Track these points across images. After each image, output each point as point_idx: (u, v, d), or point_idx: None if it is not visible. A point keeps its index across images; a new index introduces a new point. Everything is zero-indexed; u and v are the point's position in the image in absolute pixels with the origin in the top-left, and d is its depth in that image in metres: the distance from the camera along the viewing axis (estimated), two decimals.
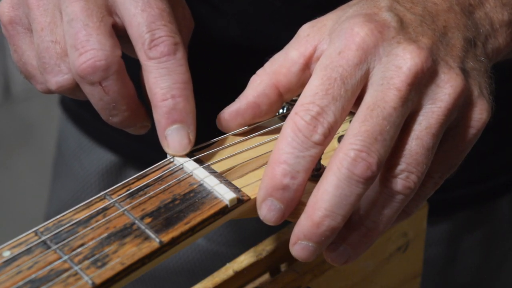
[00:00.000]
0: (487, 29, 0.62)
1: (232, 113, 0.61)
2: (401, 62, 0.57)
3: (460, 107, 0.58)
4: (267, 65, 0.61)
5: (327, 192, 0.55)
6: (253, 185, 0.59)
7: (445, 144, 0.59)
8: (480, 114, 0.59)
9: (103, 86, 0.60)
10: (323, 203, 0.55)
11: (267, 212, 0.57)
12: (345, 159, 0.55)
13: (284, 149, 0.56)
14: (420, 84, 0.57)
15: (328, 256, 0.58)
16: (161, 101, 0.59)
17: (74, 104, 0.98)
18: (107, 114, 0.62)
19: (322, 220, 0.55)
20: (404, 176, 0.56)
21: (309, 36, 0.60)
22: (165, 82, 0.59)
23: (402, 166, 0.56)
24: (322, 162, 0.60)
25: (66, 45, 0.61)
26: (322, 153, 0.57)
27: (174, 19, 0.60)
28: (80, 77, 0.60)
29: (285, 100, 0.62)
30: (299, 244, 0.56)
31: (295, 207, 0.57)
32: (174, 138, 0.60)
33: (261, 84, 0.61)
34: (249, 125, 0.63)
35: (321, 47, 0.60)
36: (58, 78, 0.62)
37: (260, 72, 0.61)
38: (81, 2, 0.60)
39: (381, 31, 0.57)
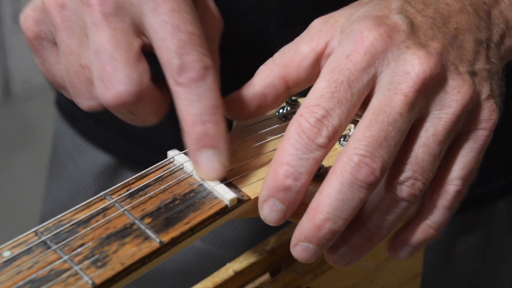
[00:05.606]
0: (502, 28, 0.62)
1: (237, 100, 0.61)
2: (409, 67, 0.56)
3: (469, 113, 0.58)
4: (277, 56, 0.61)
5: (329, 195, 0.55)
6: (253, 185, 0.59)
7: (462, 149, 0.59)
8: (489, 115, 0.59)
9: (133, 113, 0.59)
10: (325, 207, 0.55)
11: (269, 213, 0.57)
12: (349, 164, 0.55)
13: (288, 151, 0.56)
14: (427, 90, 0.56)
15: (330, 258, 0.58)
16: (191, 128, 0.58)
17: (70, 105, 0.98)
18: (133, 122, 0.60)
19: (324, 223, 0.55)
20: (410, 183, 0.56)
21: (321, 32, 0.60)
22: (195, 108, 0.57)
23: (408, 173, 0.56)
24: (323, 162, 0.60)
25: (93, 75, 0.58)
26: (325, 156, 0.56)
27: (205, 41, 0.58)
28: (109, 108, 0.58)
29: (291, 93, 0.62)
30: (300, 245, 0.56)
31: (296, 208, 0.57)
32: (207, 164, 0.58)
33: (270, 75, 0.60)
34: (251, 115, 0.62)
35: (333, 44, 0.59)
36: (89, 103, 0.60)
37: (269, 62, 0.61)
38: (108, 31, 0.57)
39: (391, 35, 0.57)
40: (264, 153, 0.62)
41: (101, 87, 0.57)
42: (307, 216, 0.56)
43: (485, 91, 0.59)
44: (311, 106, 0.56)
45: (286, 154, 0.56)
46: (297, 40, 0.61)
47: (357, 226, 0.57)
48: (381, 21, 0.58)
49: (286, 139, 0.56)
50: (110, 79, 0.57)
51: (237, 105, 0.61)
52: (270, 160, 0.59)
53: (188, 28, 0.57)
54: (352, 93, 0.56)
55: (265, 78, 0.60)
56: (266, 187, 0.56)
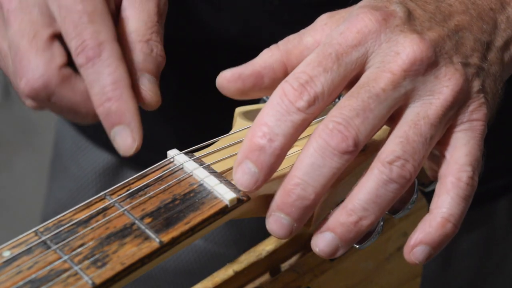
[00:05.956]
0: (508, 33, 0.62)
1: (234, 74, 0.61)
2: (400, 48, 0.57)
3: (460, 103, 0.58)
4: (281, 43, 0.62)
5: (301, 161, 0.56)
6: None
7: (462, 139, 0.59)
8: (479, 106, 0.59)
9: (53, 102, 0.59)
10: (297, 172, 0.55)
11: (241, 175, 0.56)
12: (324, 130, 0.55)
13: (268, 112, 0.56)
14: (416, 73, 0.57)
15: (315, 244, 0.57)
16: (98, 108, 0.58)
17: None
18: (74, 120, 0.62)
19: (293, 188, 0.55)
20: (400, 164, 0.56)
21: (326, 25, 0.61)
22: (96, 87, 0.58)
23: (398, 152, 0.56)
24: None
25: None
26: (307, 124, 0.56)
27: (101, 14, 0.59)
28: (29, 101, 0.60)
29: None
30: (273, 215, 0.56)
31: (269, 175, 0.56)
32: (118, 140, 0.59)
33: (271, 57, 0.61)
34: (245, 94, 0.62)
35: None
36: (27, 102, 0.62)
37: (273, 47, 0.62)
38: (15, 25, 0.59)
39: (386, 19, 0.58)
40: None
41: (16, 80, 0.59)
42: (282, 184, 0.56)
43: (476, 85, 0.59)
44: (297, 73, 0.57)
45: (265, 115, 0.56)
46: (302, 31, 0.62)
47: (345, 209, 0.56)
48: (379, 8, 0.58)
49: (269, 103, 0.56)
50: (17, 69, 0.58)
51: (233, 79, 0.61)
52: None
53: (78, 7, 0.58)
54: (339, 65, 0.57)
55: (266, 59, 0.61)
56: (242, 150, 0.57)
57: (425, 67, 0.57)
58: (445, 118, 0.58)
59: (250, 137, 0.56)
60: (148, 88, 0.62)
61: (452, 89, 0.57)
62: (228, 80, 0.61)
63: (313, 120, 0.57)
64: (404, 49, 0.57)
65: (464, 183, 0.58)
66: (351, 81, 0.58)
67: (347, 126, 0.55)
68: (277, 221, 0.56)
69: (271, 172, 0.56)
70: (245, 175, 0.56)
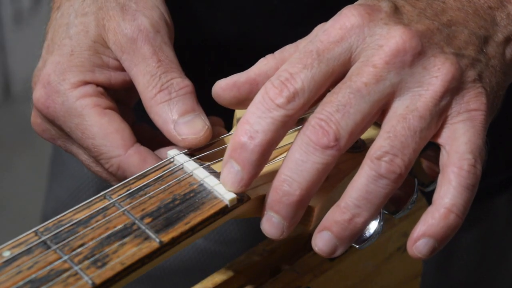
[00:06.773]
0: (510, 29, 0.61)
1: (229, 83, 0.61)
2: (383, 41, 0.57)
3: (454, 92, 0.57)
4: (277, 52, 0.62)
5: (287, 158, 0.56)
6: (253, 185, 0.59)
7: (460, 129, 0.58)
8: (476, 96, 0.58)
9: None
10: (283, 169, 0.56)
11: (226, 174, 0.57)
12: (307, 127, 0.56)
13: (250, 111, 0.57)
14: (402, 64, 0.56)
15: (315, 244, 0.57)
16: None
17: None
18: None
19: (280, 184, 0.56)
20: (388, 159, 0.55)
21: None
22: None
23: (386, 148, 0.55)
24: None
25: None
26: (290, 121, 0.56)
27: (100, 137, 0.64)
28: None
29: None
30: (265, 215, 0.57)
31: (253, 174, 0.57)
32: None
33: (266, 65, 0.61)
34: (241, 101, 0.62)
35: None
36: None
37: (269, 56, 0.62)
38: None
39: (370, 13, 0.57)
40: None
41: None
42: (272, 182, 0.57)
43: (471, 75, 0.58)
44: (279, 72, 0.57)
45: (248, 114, 0.56)
46: (299, 41, 0.62)
47: (338, 206, 0.56)
48: (365, 4, 0.58)
49: (252, 103, 0.57)
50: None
51: (228, 87, 0.61)
52: (270, 160, 0.59)
53: (87, 143, 0.67)
54: (320, 61, 0.57)
55: (261, 67, 0.61)
56: (227, 150, 0.57)
57: (411, 58, 0.56)
58: (437, 109, 0.57)
59: (233, 136, 0.57)
60: (186, 133, 0.62)
61: (442, 79, 0.57)
62: (223, 88, 0.61)
63: (297, 117, 0.57)
64: (387, 41, 0.56)
65: (465, 171, 0.57)
66: (340, 78, 0.57)
67: (328, 121, 0.55)
68: (268, 220, 0.57)
69: (255, 170, 0.56)
70: (229, 174, 0.57)
